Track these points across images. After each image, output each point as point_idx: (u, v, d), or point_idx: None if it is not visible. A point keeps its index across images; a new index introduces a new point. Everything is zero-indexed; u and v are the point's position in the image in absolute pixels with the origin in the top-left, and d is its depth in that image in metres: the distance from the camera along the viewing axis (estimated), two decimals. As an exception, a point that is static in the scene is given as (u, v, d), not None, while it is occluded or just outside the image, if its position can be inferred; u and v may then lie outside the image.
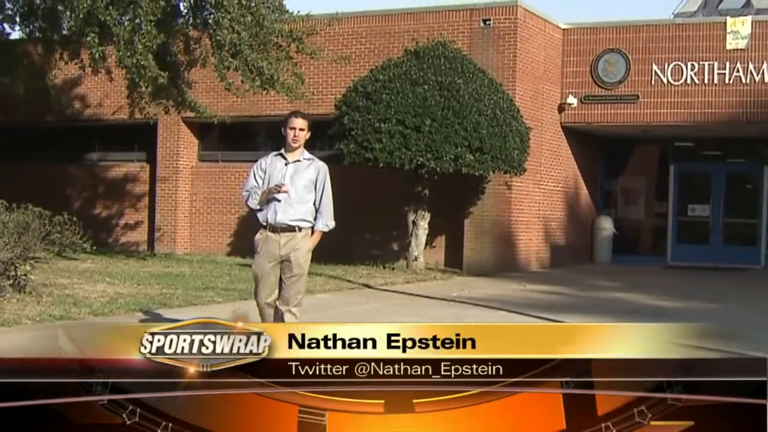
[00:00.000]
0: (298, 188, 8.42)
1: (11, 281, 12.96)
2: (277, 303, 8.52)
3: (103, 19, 17.25)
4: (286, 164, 8.50)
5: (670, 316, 14.03)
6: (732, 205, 26.35)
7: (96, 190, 27.27)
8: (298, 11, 19.06)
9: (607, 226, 26.22)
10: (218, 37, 17.84)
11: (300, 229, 8.46)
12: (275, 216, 8.41)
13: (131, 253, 24.01)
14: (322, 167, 8.61)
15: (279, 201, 8.39)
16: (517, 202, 22.27)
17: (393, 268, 20.93)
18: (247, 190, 8.67)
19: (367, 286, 17.55)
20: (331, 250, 19.14)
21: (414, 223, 20.71)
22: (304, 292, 8.73)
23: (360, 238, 22.71)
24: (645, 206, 27.83)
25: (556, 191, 24.44)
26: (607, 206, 27.35)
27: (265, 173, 8.56)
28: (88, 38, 17.71)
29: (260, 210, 8.57)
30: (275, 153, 8.66)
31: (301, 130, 8.44)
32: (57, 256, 17.34)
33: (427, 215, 20.74)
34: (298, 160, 8.52)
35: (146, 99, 19.76)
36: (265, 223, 8.51)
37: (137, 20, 17.34)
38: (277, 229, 8.43)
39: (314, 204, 8.52)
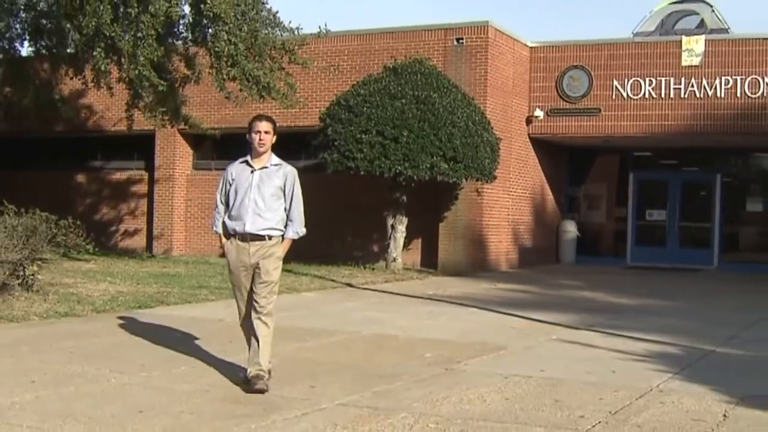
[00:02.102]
0: (266, 197, 7.61)
1: (20, 281, 13.00)
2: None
3: (108, 35, 17.25)
4: (252, 172, 7.69)
5: (631, 312, 14.17)
6: (687, 211, 26.52)
7: (98, 196, 27.30)
8: (290, 21, 19.08)
9: (571, 229, 26.37)
10: (216, 49, 17.86)
11: (270, 237, 7.65)
12: (243, 227, 7.59)
13: (131, 254, 24.00)
14: (290, 172, 7.77)
15: (247, 210, 7.61)
16: (487, 207, 22.39)
17: (373, 269, 21.00)
18: (217, 208, 7.91)
19: (350, 285, 17.60)
20: (315, 252, 19.25)
21: (393, 226, 20.79)
22: (274, 300, 7.76)
23: (342, 240, 22.80)
24: (606, 211, 27.96)
25: (523, 197, 24.56)
26: (571, 211, 27.48)
27: (233, 182, 7.75)
28: (95, 53, 17.71)
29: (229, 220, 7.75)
30: (242, 160, 7.85)
31: (267, 133, 7.66)
32: (62, 257, 17.41)
33: (405, 219, 20.83)
34: (265, 167, 7.70)
35: (148, 109, 19.76)
36: (233, 233, 7.68)
37: (139, 34, 17.35)
38: (246, 238, 7.61)
39: (285, 210, 7.73)
